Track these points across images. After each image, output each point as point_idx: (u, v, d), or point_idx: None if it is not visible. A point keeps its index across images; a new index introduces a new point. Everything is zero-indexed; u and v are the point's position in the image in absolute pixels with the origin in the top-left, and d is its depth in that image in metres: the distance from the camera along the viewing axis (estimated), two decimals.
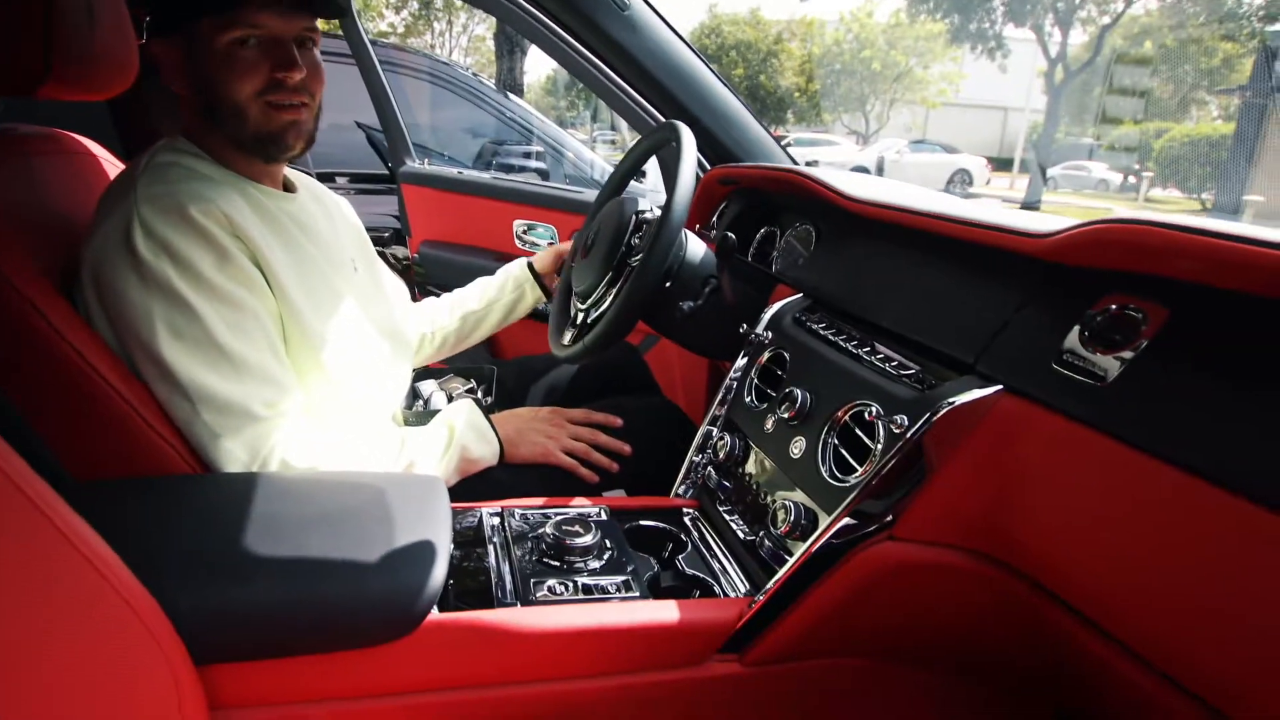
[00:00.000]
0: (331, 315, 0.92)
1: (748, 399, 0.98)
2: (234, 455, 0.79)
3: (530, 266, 1.32)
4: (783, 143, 1.38)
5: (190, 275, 0.77)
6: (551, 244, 1.89)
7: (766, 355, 0.99)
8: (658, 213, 1.06)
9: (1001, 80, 19.74)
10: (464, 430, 0.97)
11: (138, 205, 0.77)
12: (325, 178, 2.72)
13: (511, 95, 3.51)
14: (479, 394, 1.24)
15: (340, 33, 2.14)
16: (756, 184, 1.26)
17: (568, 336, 1.11)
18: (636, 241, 1.06)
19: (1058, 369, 0.63)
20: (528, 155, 3.13)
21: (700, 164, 1.38)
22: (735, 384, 1.00)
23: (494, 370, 1.30)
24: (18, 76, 0.78)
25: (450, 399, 1.21)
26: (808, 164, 1.29)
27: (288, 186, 0.97)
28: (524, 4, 1.46)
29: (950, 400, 0.68)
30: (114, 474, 0.77)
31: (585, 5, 1.26)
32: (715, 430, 1.01)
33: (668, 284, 1.03)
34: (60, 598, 0.50)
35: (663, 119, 1.44)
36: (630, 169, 1.22)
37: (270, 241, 0.84)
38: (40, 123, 0.97)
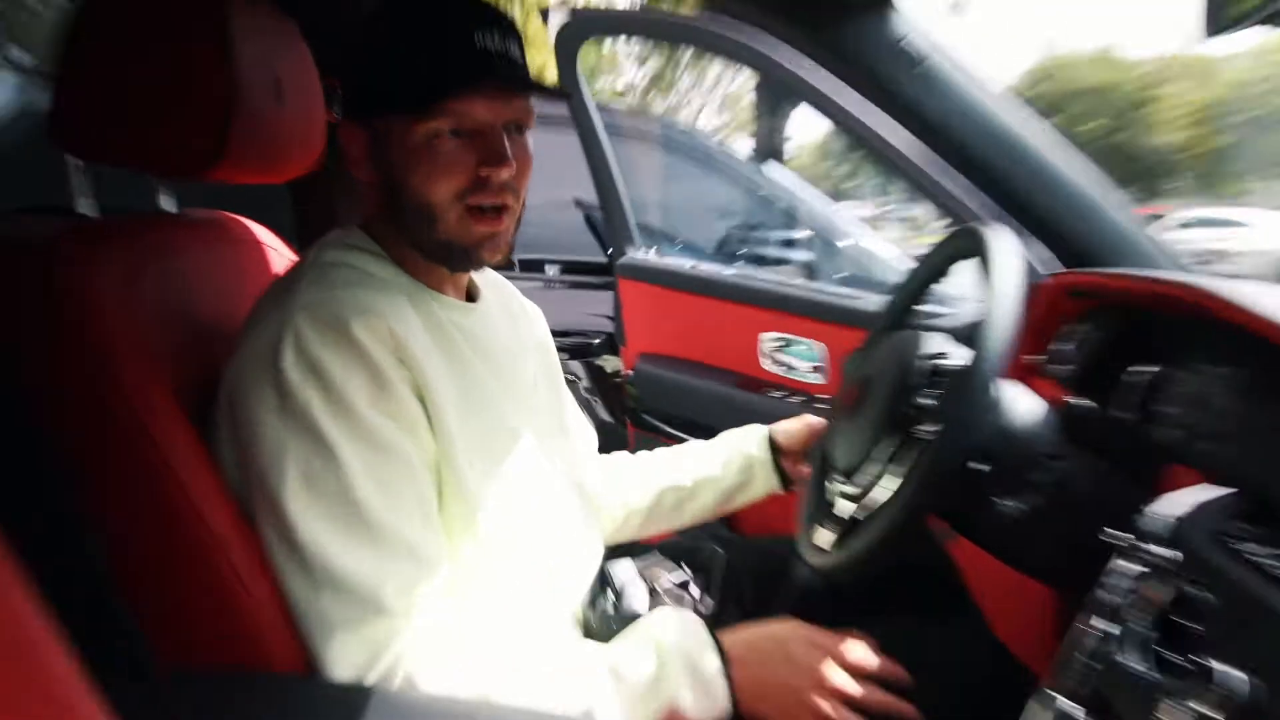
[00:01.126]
0: (501, 461, 0.95)
1: (1129, 660, 0.80)
2: (347, 657, 0.80)
3: (770, 441, 1.33)
4: (1162, 223, 1.26)
5: (339, 407, 0.82)
6: (817, 368, 1.85)
7: (1165, 593, 0.81)
8: (963, 357, 1.00)
9: None
10: (678, 668, 0.88)
11: (294, 314, 0.84)
12: (532, 265, 2.95)
13: (770, 163, 3.61)
14: (693, 589, 1.19)
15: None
16: (1129, 299, 1.15)
17: (824, 535, 1.06)
18: (929, 400, 0.99)
19: None
20: (788, 243, 3.15)
21: (1031, 269, 1.31)
22: (1106, 632, 0.84)
23: (721, 556, 1.25)
24: (190, 158, 0.91)
25: (653, 593, 1.15)
26: (1208, 255, 1.16)
27: (470, 292, 1.06)
28: (787, 57, 1.51)
29: None
30: (205, 656, 0.82)
31: (864, 57, 1.28)
32: (1065, 703, 0.84)
33: (980, 466, 0.93)
34: None
35: (971, 200, 1.39)
36: (917, 289, 1.20)
37: (439, 366, 0.90)
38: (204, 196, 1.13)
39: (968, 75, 1.28)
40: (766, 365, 1.93)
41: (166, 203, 1.10)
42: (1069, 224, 1.30)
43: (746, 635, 0.95)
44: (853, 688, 0.91)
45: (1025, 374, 1.30)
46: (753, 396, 1.92)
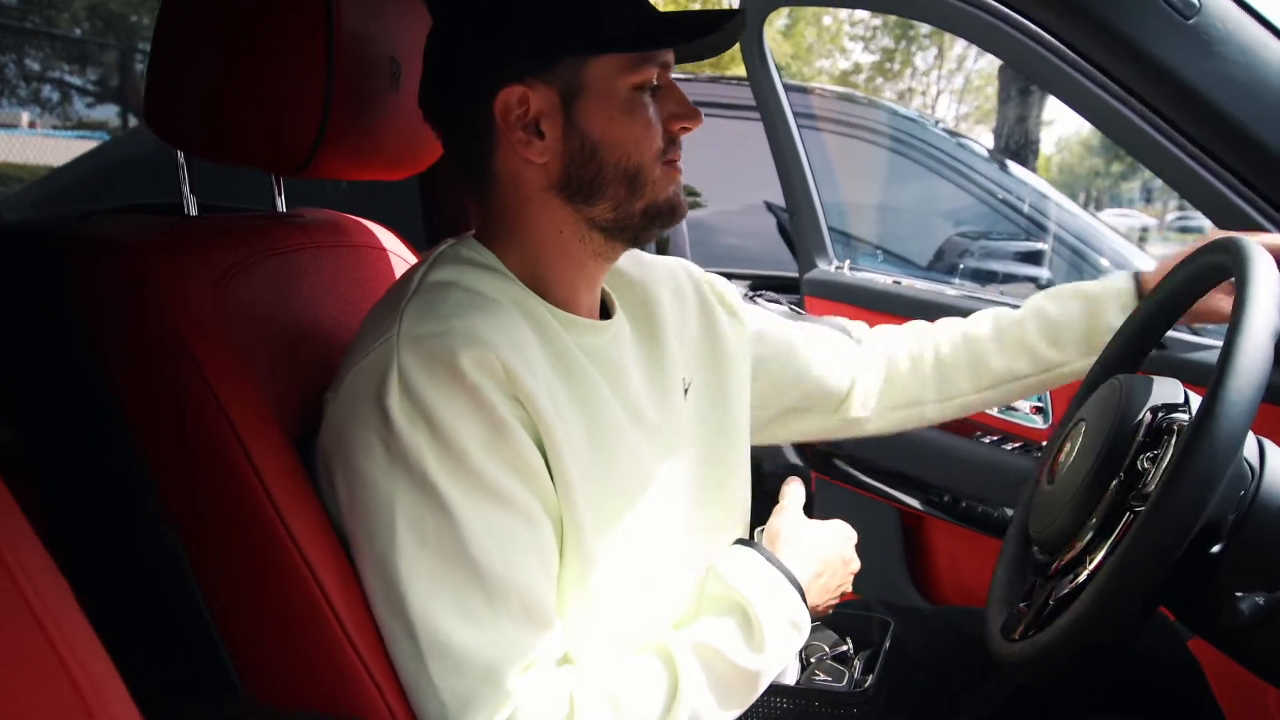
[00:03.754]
0: (625, 511, 0.95)
1: None
2: None
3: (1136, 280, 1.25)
4: None
5: (451, 457, 0.84)
6: (1038, 409, 1.79)
7: None
8: (1192, 410, 0.95)
9: None
10: (779, 630, 0.99)
11: (399, 348, 0.86)
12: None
13: (1011, 163, 3.48)
14: (856, 660, 1.18)
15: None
16: None
17: (1014, 621, 1.02)
18: (1149, 464, 0.94)
19: None
20: (1022, 256, 3.02)
21: None
22: None
23: (888, 624, 1.23)
24: (287, 151, 0.95)
25: (805, 665, 1.14)
26: None
27: (606, 306, 1.05)
28: (1019, 24, 1.45)
29: None
30: (297, 701, 0.85)
31: (1117, 18, 1.19)
32: None
33: (1214, 548, 0.87)
34: None
35: (1257, 196, 1.29)
36: (1146, 326, 1.12)
37: (561, 399, 0.90)
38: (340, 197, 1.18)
39: (1259, 29, 1.16)
40: None
41: (279, 203, 1.15)
42: None
43: (801, 551, 1.07)
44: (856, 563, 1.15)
45: None
46: (960, 441, 1.87)
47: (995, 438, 1.85)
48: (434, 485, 0.83)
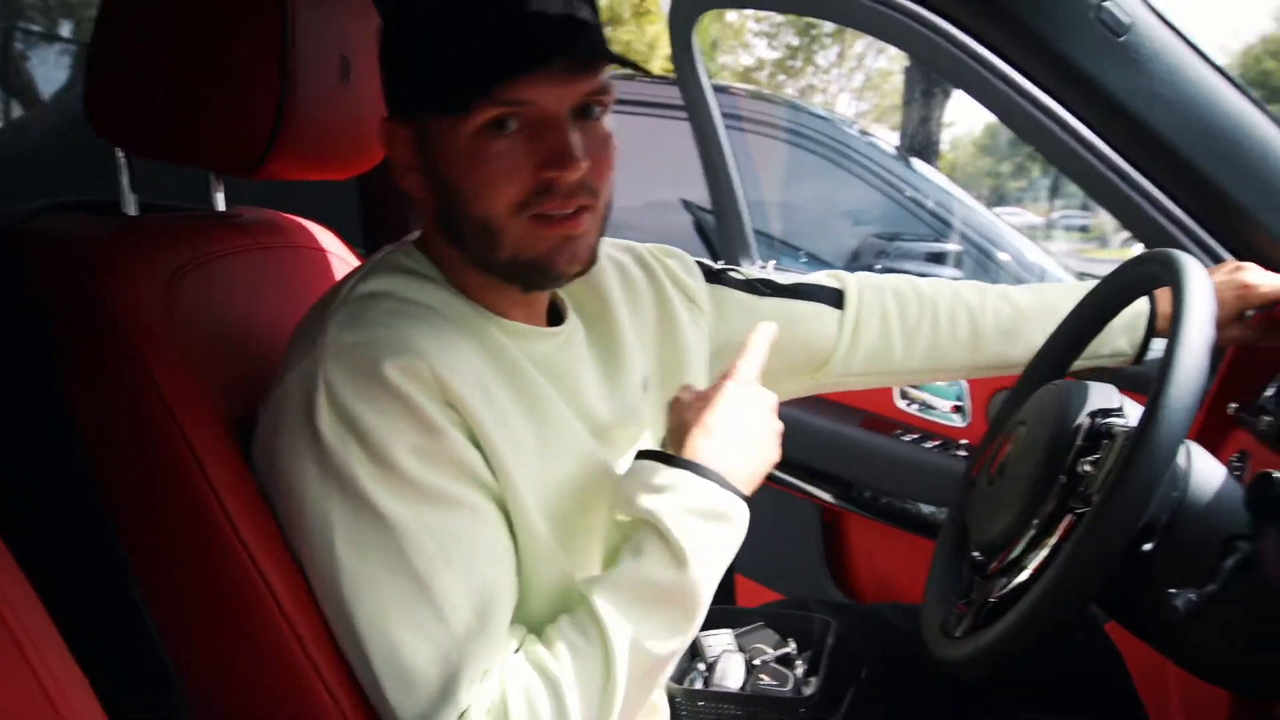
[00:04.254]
0: (585, 514, 0.94)
1: None
2: None
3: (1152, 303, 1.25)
4: None
5: (384, 468, 0.82)
6: (958, 407, 1.82)
7: None
8: (1133, 419, 0.98)
9: None
10: (699, 536, 0.88)
11: (324, 361, 0.84)
12: None
13: (918, 161, 3.56)
14: (799, 664, 1.20)
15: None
16: None
17: (953, 619, 1.04)
18: (1090, 466, 0.97)
19: None
20: (933, 257, 3.10)
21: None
22: None
23: (832, 626, 1.25)
24: (237, 150, 0.93)
25: (751, 667, 1.16)
26: None
27: (555, 308, 1.03)
28: (946, 33, 1.47)
29: None
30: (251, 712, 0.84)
31: (1051, 33, 1.22)
32: None
33: (1147, 546, 0.91)
34: None
35: (1170, 204, 1.35)
36: (1085, 326, 1.15)
37: (504, 407, 0.89)
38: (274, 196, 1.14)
39: (1186, 50, 1.20)
40: (899, 403, 1.91)
41: (217, 201, 1.12)
42: None
43: (708, 432, 0.93)
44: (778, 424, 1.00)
45: (1214, 427, 1.26)
46: (880, 439, 1.90)
47: (915, 436, 1.88)
48: (369, 499, 0.81)
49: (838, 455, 1.94)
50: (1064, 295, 1.26)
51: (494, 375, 0.89)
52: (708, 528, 0.88)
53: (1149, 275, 1.07)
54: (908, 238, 3.22)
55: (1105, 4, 1.15)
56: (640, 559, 0.87)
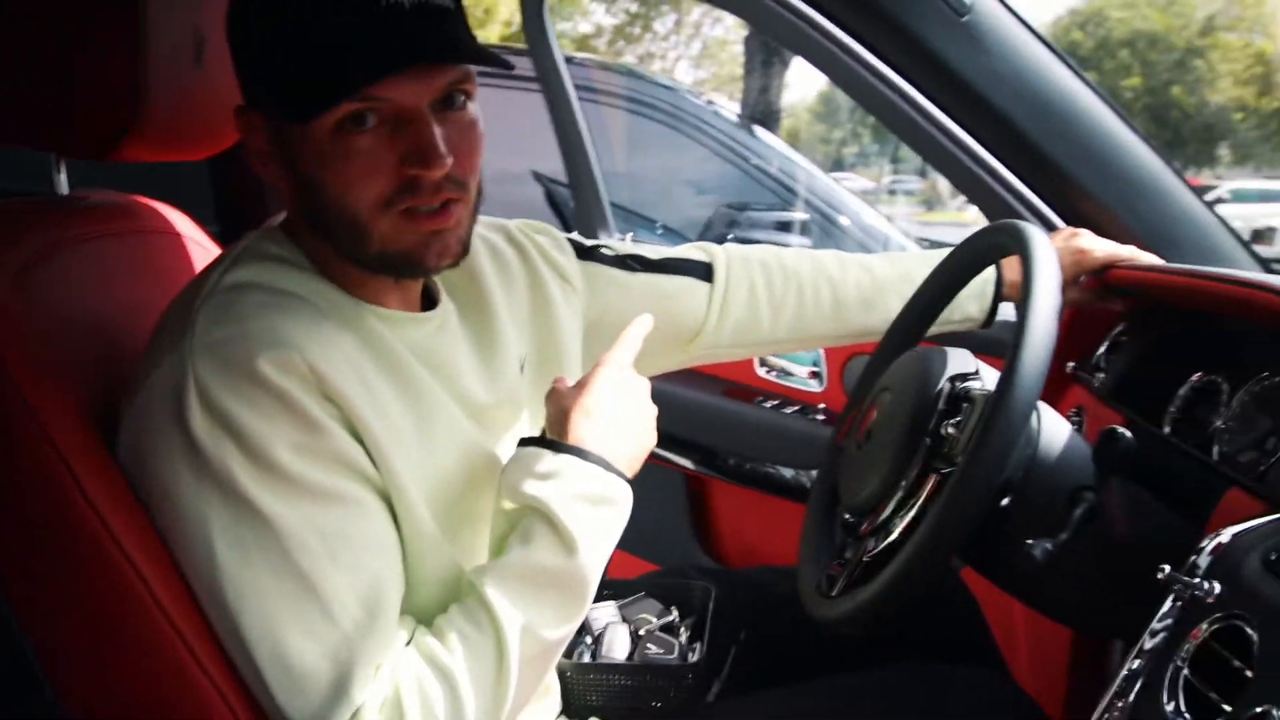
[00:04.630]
0: (470, 498, 0.94)
1: (1168, 706, 0.84)
2: None
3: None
4: (1210, 195, 1.30)
5: (262, 467, 0.79)
6: (814, 373, 1.87)
7: (1207, 627, 0.85)
8: (989, 382, 1.02)
9: None
10: (582, 517, 0.88)
11: (193, 357, 0.80)
12: None
13: (761, 130, 3.62)
14: (682, 631, 1.22)
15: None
16: (1180, 301, 1.18)
17: (829, 580, 1.07)
18: (952, 429, 1.01)
19: None
20: (782, 226, 3.17)
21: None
22: (1141, 675, 0.87)
23: (709, 590, 1.27)
24: (91, 134, 0.88)
25: (636, 638, 1.18)
26: (1265, 232, 1.20)
27: (428, 291, 1.01)
28: (787, 3, 1.49)
29: None
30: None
31: (897, 11, 1.27)
32: None
33: (1005, 501, 0.96)
34: None
35: (1007, 173, 1.41)
36: (938, 294, 1.20)
37: (382, 395, 0.87)
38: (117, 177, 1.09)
39: (1022, 30, 1.25)
40: (759, 370, 1.95)
41: (60, 184, 1.05)
42: (1121, 211, 1.29)
43: (587, 417, 0.94)
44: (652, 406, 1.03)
45: (1053, 385, 1.33)
46: (743, 407, 1.94)
47: (775, 402, 1.92)
48: (249, 499, 0.79)
49: (702, 424, 1.96)
50: (918, 264, 1.31)
51: (371, 365, 0.88)
52: (595, 512, 0.88)
53: (997, 245, 1.12)
54: (757, 207, 3.28)
55: None
56: (529, 546, 0.86)
